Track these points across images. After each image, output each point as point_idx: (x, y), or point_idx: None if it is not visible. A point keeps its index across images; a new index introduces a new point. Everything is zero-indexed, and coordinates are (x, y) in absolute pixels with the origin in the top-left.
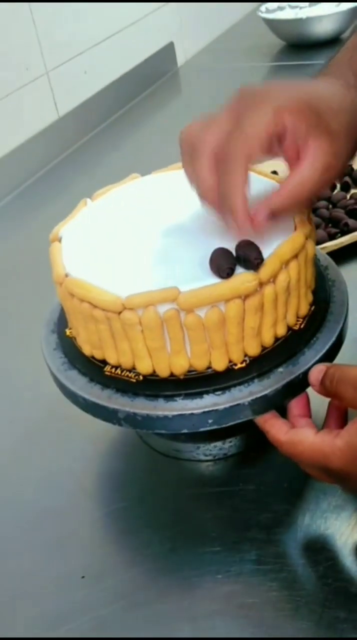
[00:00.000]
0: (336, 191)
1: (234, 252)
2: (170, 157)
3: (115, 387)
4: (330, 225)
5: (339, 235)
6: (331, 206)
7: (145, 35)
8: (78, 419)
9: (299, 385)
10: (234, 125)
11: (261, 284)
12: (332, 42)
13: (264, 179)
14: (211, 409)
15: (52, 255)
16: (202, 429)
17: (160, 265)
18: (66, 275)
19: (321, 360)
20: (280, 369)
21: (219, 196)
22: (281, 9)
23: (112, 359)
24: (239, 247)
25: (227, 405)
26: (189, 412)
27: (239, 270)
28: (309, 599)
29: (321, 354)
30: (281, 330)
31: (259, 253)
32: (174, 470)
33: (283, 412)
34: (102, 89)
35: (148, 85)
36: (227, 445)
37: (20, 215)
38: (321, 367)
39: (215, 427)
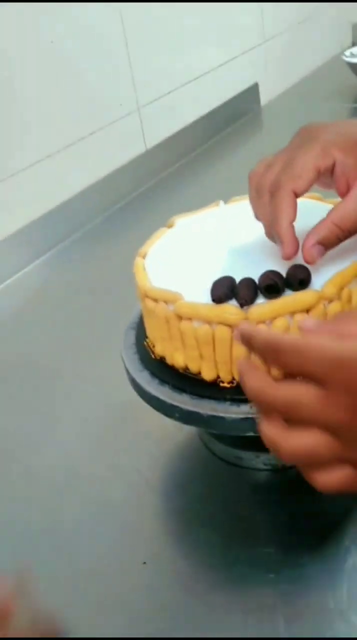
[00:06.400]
0: None
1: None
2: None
3: (139, 356)
4: None
5: None
6: None
7: (232, 76)
8: (148, 423)
9: (254, 426)
10: (287, 161)
11: (253, 321)
12: None
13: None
14: (177, 404)
15: (152, 236)
16: (171, 418)
17: (210, 273)
18: (144, 255)
19: None
20: (251, 404)
21: (268, 225)
22: None
23: (147, 332)
24: (240, 282)
25: (190, 408)
26: (163, 399)
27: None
28: (356, 607)
29: None
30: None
31: (250, 295)
32: (234, 476)
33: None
34: (188, 125)
35: (231, 123)
36: None
37: (107, 237)
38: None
39: (181, 422)
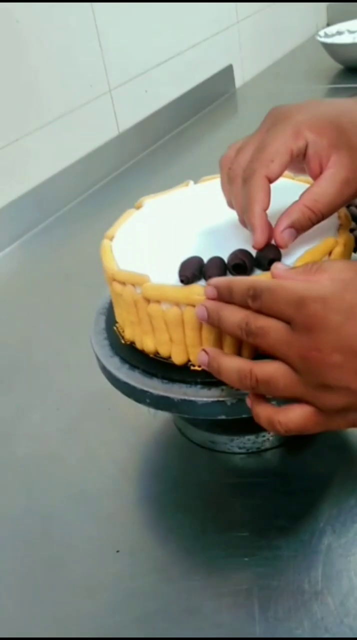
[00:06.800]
0: None
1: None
2: None
3: (109, 342)
4: None
5: None
6: None
7: (205, 57)
8: (122, 410)
9: (230, 408)
10: (259, 145)
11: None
12: None
13: (299, 184)
14: (148, 389)
15: (120, 218)
16: (142, 404)
17: (179, 254)
18: (111, 238)
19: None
20: (222, 387)
21: (241, 212)
22: (339, 33)
23: (116, 316)
24: (208, 262)
25: (160, 393)
26: (133, 385)
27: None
28: (330, 588)
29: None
30: (247, 354)
31: (218, 274)
32: (209, 460)
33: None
34: (161, 107)
35: (206, 105)
36: (260, 440)
37: (81, 221)
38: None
39: (153, 407)
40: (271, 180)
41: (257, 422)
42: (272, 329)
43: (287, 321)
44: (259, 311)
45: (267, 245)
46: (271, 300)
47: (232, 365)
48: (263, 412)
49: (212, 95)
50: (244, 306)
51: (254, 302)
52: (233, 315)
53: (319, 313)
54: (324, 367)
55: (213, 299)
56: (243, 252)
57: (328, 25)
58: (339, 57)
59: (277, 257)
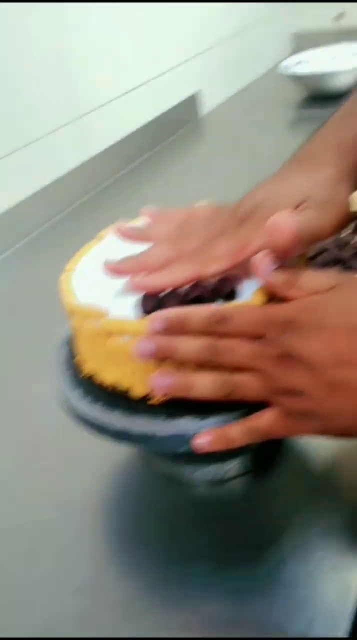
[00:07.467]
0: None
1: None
2: (189, 202)
3: (71, 373)
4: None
5: None
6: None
7: (171, 86)
8: (85, 442)
9: (188, 442)
10: (206, 242)
11: None
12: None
13: None
14: (108, 422)
15: (81, 250)
16: (102, 436)
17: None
18: (72, 270)
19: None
20: (185, 417)
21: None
22: (303, 62)
23: (77, 349)
24: (165, 295)
25: (121, 427)
26: (93, 417)
27: None
28: (293, 619)
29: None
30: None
31: (178, 306)
32: (173, 492)
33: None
34: (127, 135)
35: (171, 134)
36: (223, 470)
37: (45, 250)
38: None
39: (114, 441)
40: (200, 277)
41: (232, 443)
42: (240, 344)
43: (256, 336)
44: (223, 335)
45: (225, 277)
46: (241, 321)
47: (204, 378)
48: (236, 427)
49: (177, 124)
50: (204, 334)
51: (220, 325)
52: (191, 342)
53: (287, 328)
54: (289, 373)
55: (157, 334)
56: (201, 285)
57: (293, 54)
58: (303, 86)
59: (234, 289)
